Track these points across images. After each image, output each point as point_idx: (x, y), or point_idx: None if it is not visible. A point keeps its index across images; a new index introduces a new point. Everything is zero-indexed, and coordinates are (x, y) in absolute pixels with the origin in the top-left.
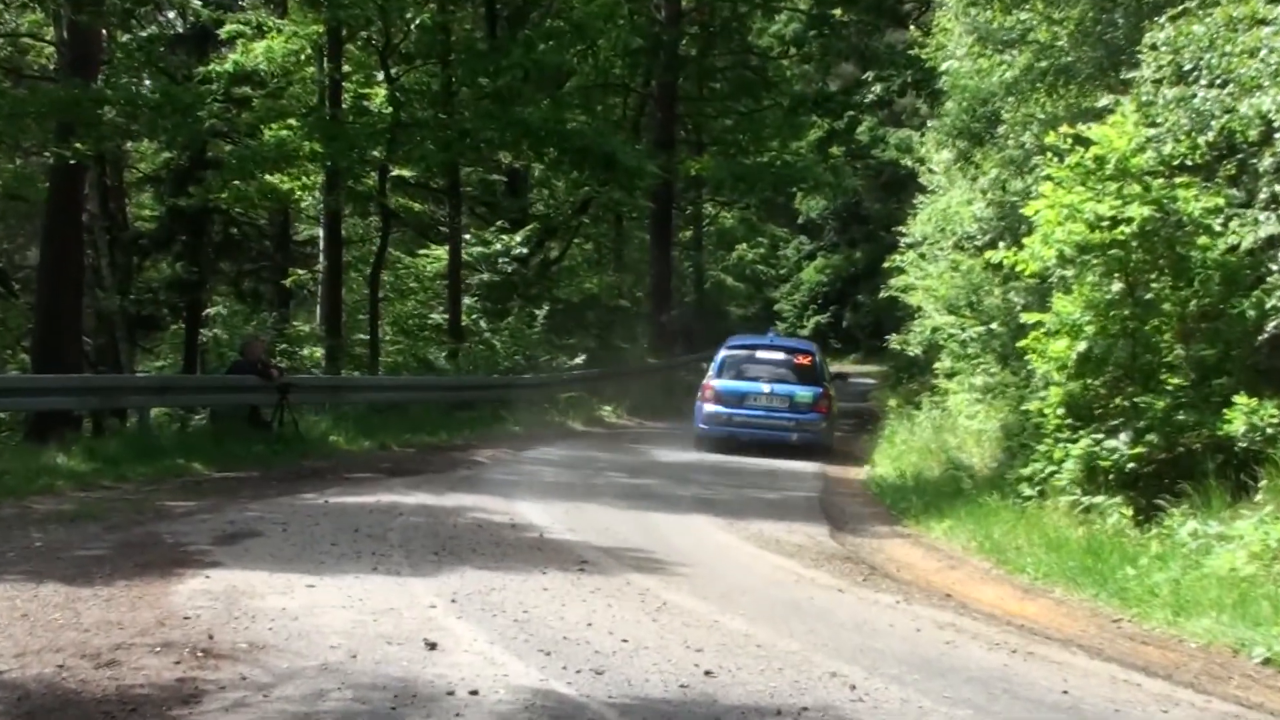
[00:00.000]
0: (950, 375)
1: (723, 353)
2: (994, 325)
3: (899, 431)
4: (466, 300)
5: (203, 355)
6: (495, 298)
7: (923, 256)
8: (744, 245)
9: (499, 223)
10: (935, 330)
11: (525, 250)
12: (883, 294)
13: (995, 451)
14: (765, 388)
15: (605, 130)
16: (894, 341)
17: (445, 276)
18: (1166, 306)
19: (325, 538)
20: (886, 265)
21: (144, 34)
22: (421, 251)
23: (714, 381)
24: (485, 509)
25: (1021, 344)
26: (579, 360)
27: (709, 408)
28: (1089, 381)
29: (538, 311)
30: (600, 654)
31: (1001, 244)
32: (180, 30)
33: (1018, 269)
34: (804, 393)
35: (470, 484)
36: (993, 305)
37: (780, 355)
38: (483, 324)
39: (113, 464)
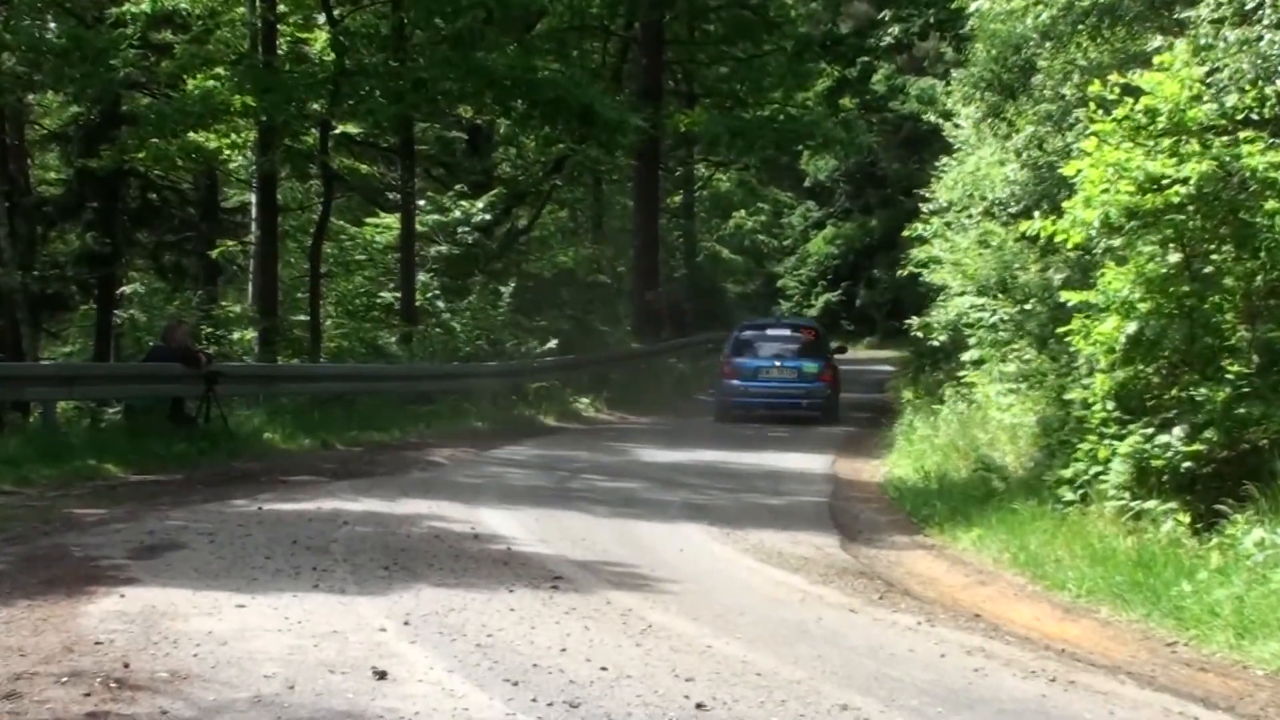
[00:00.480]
0: (979, 363)
1: (736, 334)
2: (1030, 305)
3: (920, 426)
4: (422, 276)
5: (117, 340)
6: (455, 273)
7: (948, 225)
8: (742, 212)
9: (459, 187)
10: (963, 314)
11: (489, 218)
12: (902, 269)
13: (1031, 449)
14: (776, 362)
15: (581, 79)
16: (915, 326)
17: (397, 249)
18: (1229, 281)
19: (258, 550)
20: (906, 234)
21: None
22: (369, 220)
23: (731, 359)
24: (444, 517)
25: (1063, 328)
26: (551, 345)
27: (727, 382)
28: (1140, 368)
29: (503, 289)
30: (575, 684)
31: (1038, 211)
32: None
33: (1057, 240)
34: (810, 365)
35: (426, 488)
36: (1028, 282)
37: (787, 333)
38: (440, 304)
39: (13, 465)
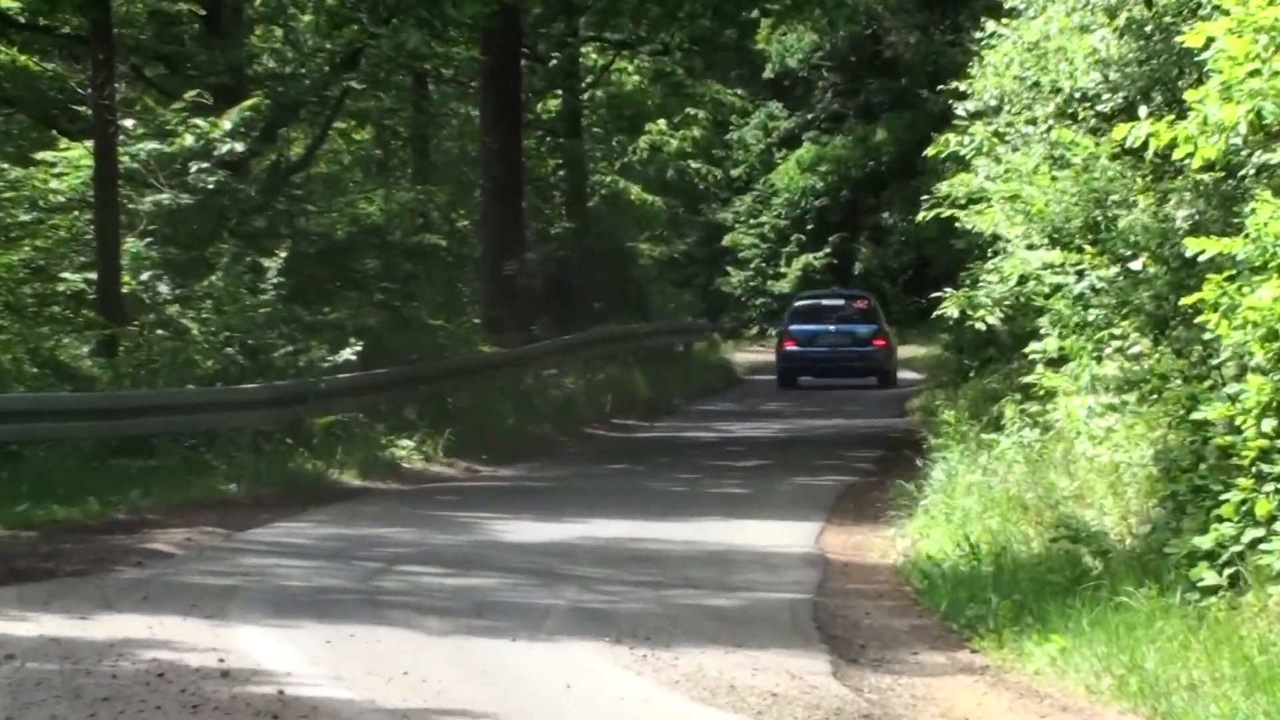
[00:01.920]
0: (1058, 361)
1: (794, 303)
2: (1140, 263)
3: (964, 470)
4: (132, 244)
5: None
6: (188, 239)
7: (999, 137)
8: (661, 125)
9: (191, 95)
10: (1030, 280)
11: (242, 147)
12: (926, 213)
13: (1145, 503)
14: (831, 328)
15: None
16: (950, 303)
17: (88, 200)
18: None
19: None
20: (932, 152)
21: None
22: (43, 155)
23: (790, 327)
24: (174, 642)
25: (1189, 299)
26: (348, 354)
27: (786, 349)
28: None
29: (269, 263)
30: None
31: (1146, 109)
32: None
33: (1178, 155)
34: (863, 329)
35: (145, 595)
36: (1133, 225)
37: (841, 302)
38: (163, 289)
39: None
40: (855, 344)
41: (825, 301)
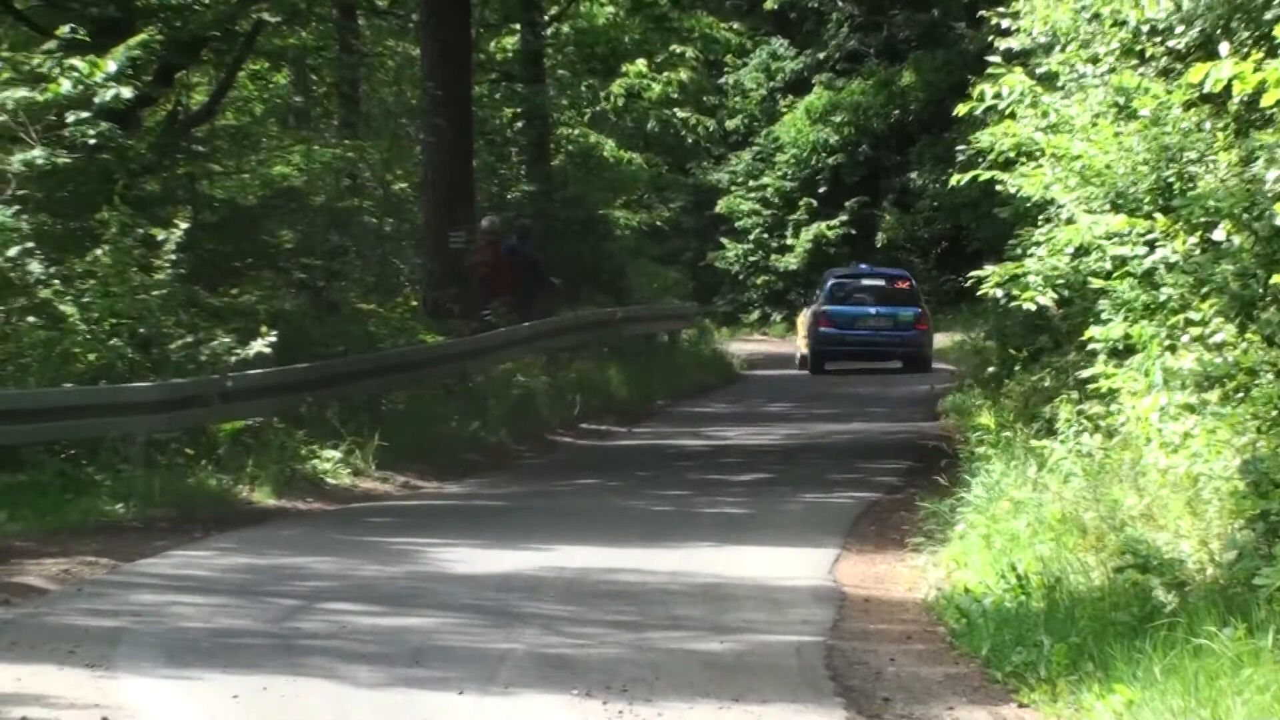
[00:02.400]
0: (1123, 352)
1: (830, 281)
2: (1221, 232)
3: (1009, 484)
4: None
5: None
6: (64, 207)
7: (1049, 81)
8: (640, 66)
9: (66, 31)
10: (1090, 251)
11: (130, 94)
12: (959, 174)
13: (1229, 524)
14: (872, 310)
15: None
16: (992, 281)
17: None
18: None
19: None
20: (963, 111)
21: None
22: None
23: (826, 307)
24: (48, 696)
25: None
26: (262, 346)
27: (822, 330)
28: None
29: (164, 235)
30: None
31: (1227, 46)
32: None
33: (1266, 103)
34: (905, 313)
35: (13, 638)
36: (1216, 188)
37: (881, 282)
38: (34, 269)
39: None
40: (897, 328)
41: (865, 281)
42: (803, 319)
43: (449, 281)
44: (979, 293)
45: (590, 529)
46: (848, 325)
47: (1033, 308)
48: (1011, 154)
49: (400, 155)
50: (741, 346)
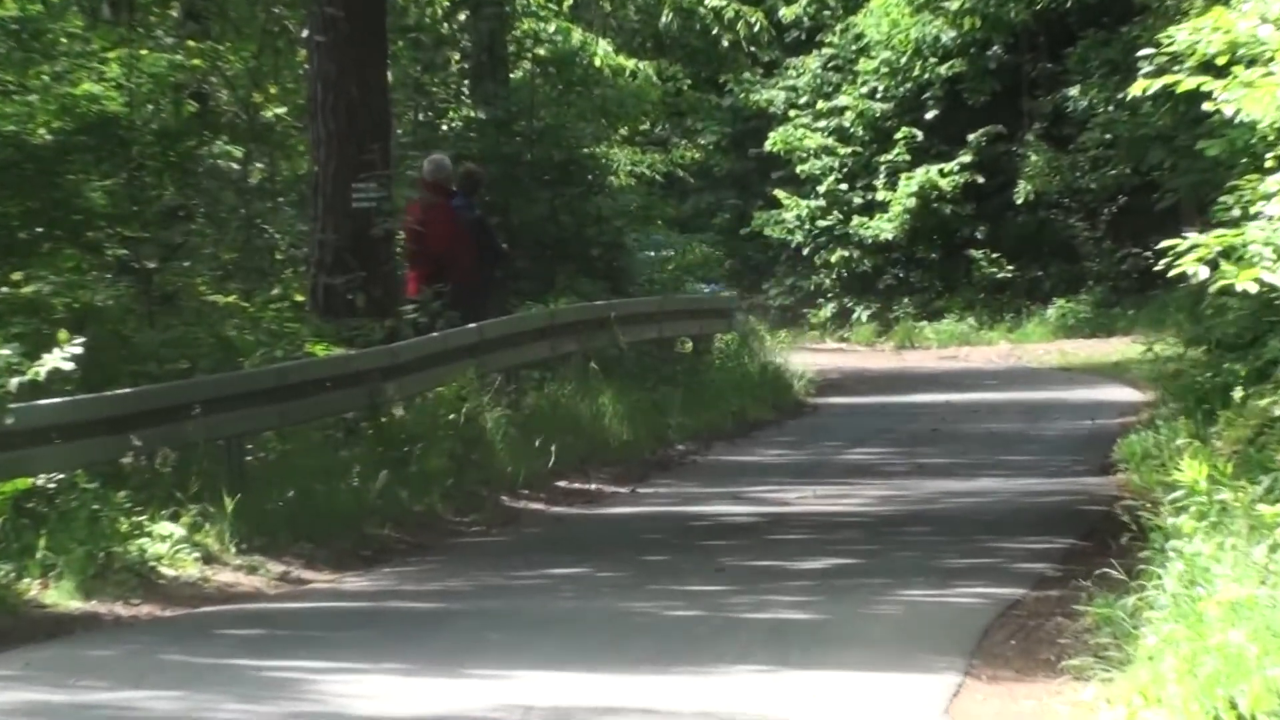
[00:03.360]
0: None
1: None
2: None
3: (1221, 575)
4: None
5: None
6: None
7: None
8: None
9: None
10: None
11: None
12: (1145, 79)
13: None
14: None
15: None
16: (1198, 251)
17: None
18: None
19: None
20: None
21: None
22: None
23: None
24: None
25: None
26: (58, 360)
27: None
28: None
29: None
30: None
31: None
32: None
33: None
34: None
35: None
36: None
37: None
38: None
39: None
40: None
41: None
42: None
43: (351, 259)
44: (1171, 273)
45: (572, 646)
46: None
47: (1256, 290)
48: (1224, 60)
49: (275, 65)
50: (809, 359)
